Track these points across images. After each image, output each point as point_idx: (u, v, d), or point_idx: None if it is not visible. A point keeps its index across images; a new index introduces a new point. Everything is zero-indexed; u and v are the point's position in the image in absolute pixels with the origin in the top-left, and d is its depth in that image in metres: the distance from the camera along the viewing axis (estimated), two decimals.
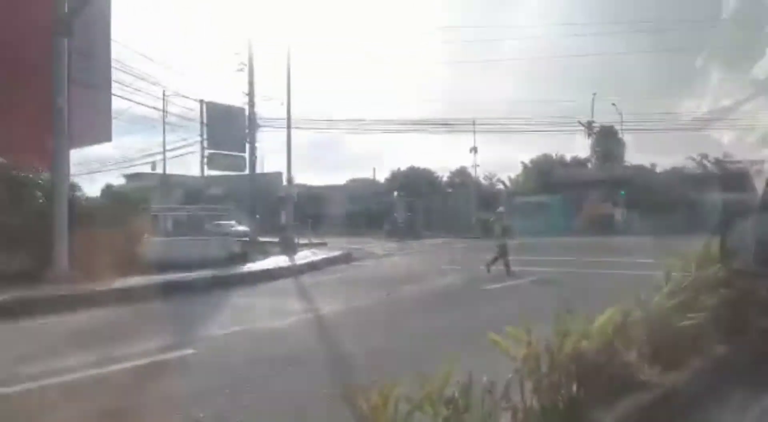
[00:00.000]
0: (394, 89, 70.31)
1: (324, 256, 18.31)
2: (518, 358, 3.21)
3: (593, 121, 40.68)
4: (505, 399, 3.05)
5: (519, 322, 3.35)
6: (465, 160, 57.08)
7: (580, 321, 3.59)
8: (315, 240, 24.52)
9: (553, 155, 48.79)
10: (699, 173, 37.19)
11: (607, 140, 42.51)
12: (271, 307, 9.46)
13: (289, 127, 22.82)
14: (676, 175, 37.93)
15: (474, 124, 40.08)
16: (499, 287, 11.25)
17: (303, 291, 11.86)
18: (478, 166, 46.39)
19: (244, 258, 16.39)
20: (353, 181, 51.61)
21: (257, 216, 24.78)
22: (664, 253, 6.13)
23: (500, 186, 49.89)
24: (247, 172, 25.10)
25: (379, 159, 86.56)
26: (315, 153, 65.00)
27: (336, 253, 19.47)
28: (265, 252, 18.77)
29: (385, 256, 20.87)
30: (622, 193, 34.99)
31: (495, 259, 13.64)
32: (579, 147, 49.18)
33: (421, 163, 51.80)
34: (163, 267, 12.44)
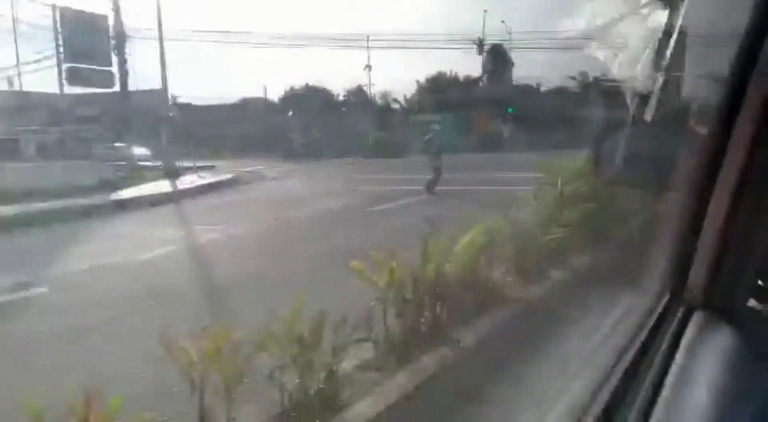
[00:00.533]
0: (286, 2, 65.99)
1: (209, 181, 17.40)
2: (380, 285, 3.11)
3: (483, 39, 40.99)
4: (366, 328, 2.95)
5: (394, 244, 3.27)
6: (361, 79, 55.84)
7: (444, 243, 3.55)
8: (202, 164, 23.17)
9: (448, 74, 49.04)
10: (579, 91, 39.12)
11: (496, 59, 43.23)
12: (141, 238, 8.81)
13: (161, 37, 20.67)
14: (559, 93, 39.70)
15: (368, 40, 38.94)
16: (385, 208, 11.31)
17: (180, 219, 11.21)
18: (374, 84, 45.69)
19: (117, 184, 15.10)
20: (245, 99, 48.94)
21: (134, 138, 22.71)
22: (542, 169, 6.32)
23: (396, 105, 49.73)
24: (118, 88, 22.60)
25: (274, 77, 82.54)
26: (204, 70, 60.58)
27: (223, 177, 18.58)
28: (142, 177, 17.42)
29: (276, 179, 20.28)
30: (510, 110, 36.20)
31: (435, 180, 13.52)
32: (473, 65, 49.78)
33: (317, 81, 50.01)
34: (21, 196, 11.16)
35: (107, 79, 23.16)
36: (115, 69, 22.54)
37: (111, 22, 22.15)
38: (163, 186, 15.75)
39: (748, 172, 1.05)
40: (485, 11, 40.71)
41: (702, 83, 1.47)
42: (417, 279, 3.26)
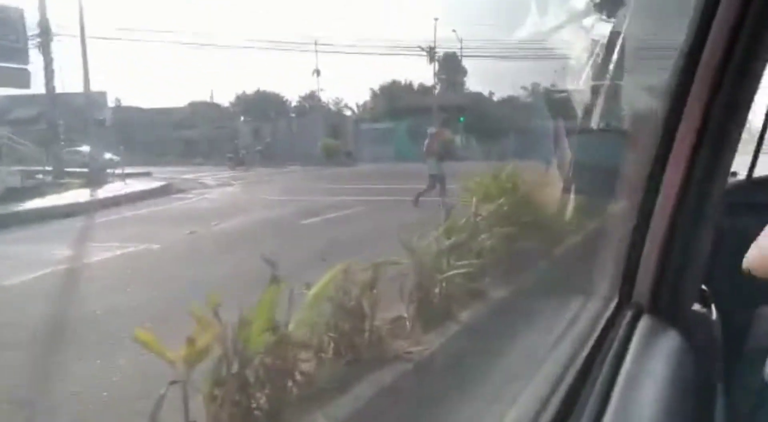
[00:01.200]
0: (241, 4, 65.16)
1: (136, 189, 16.23)
2: (177, 362, 2.09)
3: (434, 47, 41.63)
4: None
5: (304, 264, 2.68)
6: (314, 85, 55.69)
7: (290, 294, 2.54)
8: (140, 170, 22.11)
9: (402, 81, 49.55)
10: (530, 101, 40.25)
11: (449, 67, 44.02)
12: (18, 258, 7.70)
13: (83, 35, 19.40)
14: (511, 102, 40.75)
15: (316, 44, 38.90)
16: (314, 221, 10.50)
17: (78, 235, 10.12)
18: (323, 90, 45.69)
19: (25, 194, 13.67)
20: (195, 104, 47.85)
21: (61, 142, 21.39)
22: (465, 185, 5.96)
23: (348, 112, 49.86)
24: (41, 89, 20.70)
25: (227, 81, 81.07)
26: (150, 72, 58.83)
27: (154, 185, 17.52)
28: (63, 185, 15.94)
29: (215, 187, 19.49)
30: (461, 119, 36.84)
31: (427, 190, 11.78)
32: (426, 73, 50.50)
33: (270, 87, 49.53)
34: None
35: (22, 79, 20.30)
36: (35, 67, 20.68)
37: (37, 18, 20.47)
38: (80, 195, 14.54)
39: (689, 179, 1.10)
40: (436, 19, 41.36)
41: (644, 93, 1.54)
42: (237, 351, 2.23)
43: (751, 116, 1.16)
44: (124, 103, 40.94)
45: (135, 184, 18.02)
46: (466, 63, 43.68)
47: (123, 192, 15.56)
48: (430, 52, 41.54)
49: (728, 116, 1.09)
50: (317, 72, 41.97)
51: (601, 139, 1.65)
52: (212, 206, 14.57)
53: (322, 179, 16.91)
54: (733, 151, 1.12)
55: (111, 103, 42.77)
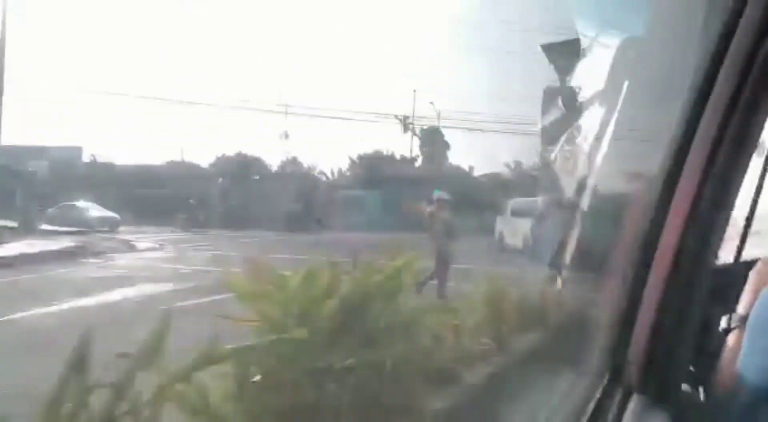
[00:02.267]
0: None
1: (38, 250, 15.24)
2: None
3: (408, 117, 42.96)
4: None
5: None
6: (294, 150, 56.74)
7: None
8: (71, 229, 20.85)
9: (383, 151, 50.63)
10: (511, 178, 41.30)
11: (430, 139, 45.37)
12: None
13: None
14: (491, 178, 41.77)
15: (286, 107, 39.81)
16: (202, 302, 8.33)
17: None
18: (293, 154, 46.47)
19: None
20: (172, 163, 47.80)
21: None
22: None
23: (323, 177, 50.48)
24: None
25: (208, 142, 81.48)
26: (133, 129, 58.79)
27: (64, 246, 16.38)
28: None
29: (141, 251, 18.55)
30: (436, 191, 37.35)
31: (433, 274, 8.76)
32: (406, 145, 51.85)
33: (251, 150, 49.98)
34: None
35: None
36: None
37: None
38: None
39: (679, 261, 1.19)
40: (414, 91, 42.88)
41: (631, 176, 1.67)
42: None
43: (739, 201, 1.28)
44: (101, 159, 41.27)
45: (42, 244, 16.50)
46: (451, 137, 45.09)
47: (19, 252, 14.49)
48: (404, 122, 42.82)
49: (716, 200, 1.20)
50: (285, 134, 42.74)
51: (586, 219, 1.76)
52: (103, 275, 13.48)
53: (275, 248, 16.18)
54: (721, 233, 1.23)
55: (86, 159, 43.16)
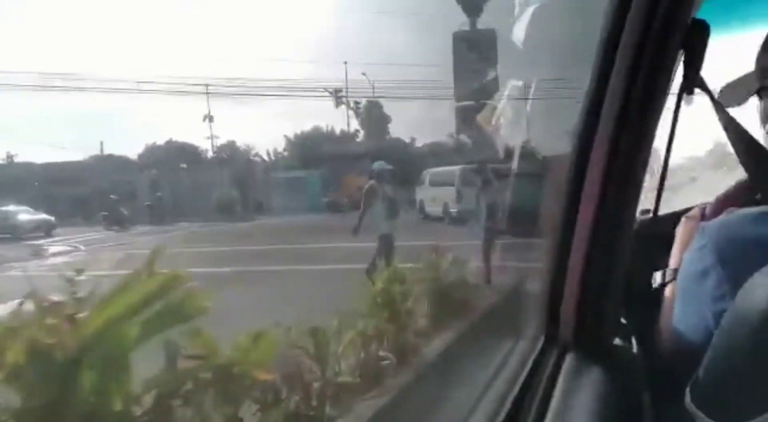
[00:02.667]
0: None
1: None
2: None
3: (341, 90, 42.59)
4: None
5: None
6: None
7: None
8: None
9: (324, 128, 49.88)
10: (454, 147, 41.77)
11: (369, 112, 45.22)
12: None
13: None
14: (434, 148, 42.04)
15: (207, 87, 38.82)
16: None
17: None
18: (217, 137, 45.46)
19: None
20: (99, 157, 45.54)
21: None
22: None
23: (257, 160, 49.48)
24: None
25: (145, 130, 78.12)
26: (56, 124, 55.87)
27: None
28: None
29: (41, 258, 17.78)
30: (376, 163, 37.24)
31: (374, 262, 8.49)
32: (343, 119, 51.35)
33: (183, 137, 48.21)
34: None
35: None
36: None
37: None
38: None
39: (600, 215, 1.23)
40: (345, 62, 42.54)
41: (556, 136, 1.70)
42: None
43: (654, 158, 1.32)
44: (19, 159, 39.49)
45: None
46: (390, 109, 45.07)
47: None
48: (336, 95, 42.44)
49: (632, 156, 1.24)
50: (209, 117, 41.65)
51: (521, 183, 1.79)
52: None
53: (199, 241, 15.52)
54: (638, 189, 1.27)
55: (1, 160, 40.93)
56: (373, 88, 42.36)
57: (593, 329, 1.26)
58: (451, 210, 22.73)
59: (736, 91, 1.25)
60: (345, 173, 38.01)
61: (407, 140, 46.44)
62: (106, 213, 30.18)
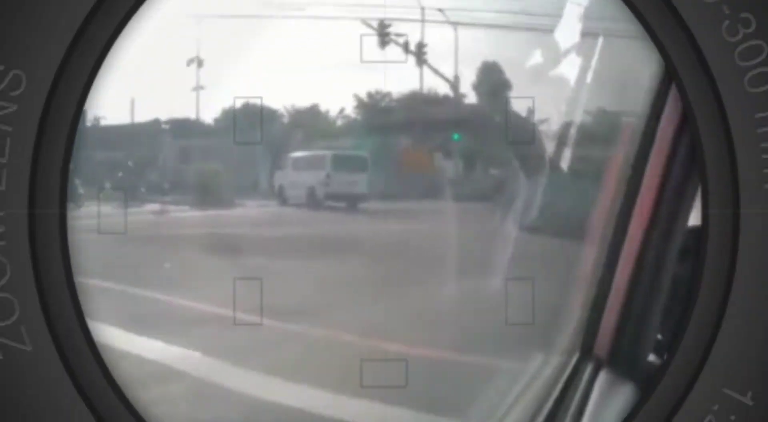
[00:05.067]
0: None
1: None
2: None
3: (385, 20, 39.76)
4: None
5: None
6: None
7: None
8: None
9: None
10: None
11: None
12: None
13: None
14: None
15: None
16: None
17: None
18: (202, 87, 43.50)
19: None
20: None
21: None
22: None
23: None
24: None
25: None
26: None
27: None
28: None
29: None
30: (455, 137, 35.68)
31: None
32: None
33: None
34: None
35: None
36: None
37: None
38: None
39: (649, 235, 1.29)
40: None
41: (614, 136, 1.73)
42: None
43: None
44: None
45: None
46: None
47: None
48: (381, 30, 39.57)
49: (688, 171, 1.28)
50: (198, 61, 40.08)
51: (573, 182, 1.82)
52: None
53: None
54: (690, 204, 1.32)
55: None
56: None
57: (630, 346, 1.32)
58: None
59: None
60: (399, 146, 36.28)
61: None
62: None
